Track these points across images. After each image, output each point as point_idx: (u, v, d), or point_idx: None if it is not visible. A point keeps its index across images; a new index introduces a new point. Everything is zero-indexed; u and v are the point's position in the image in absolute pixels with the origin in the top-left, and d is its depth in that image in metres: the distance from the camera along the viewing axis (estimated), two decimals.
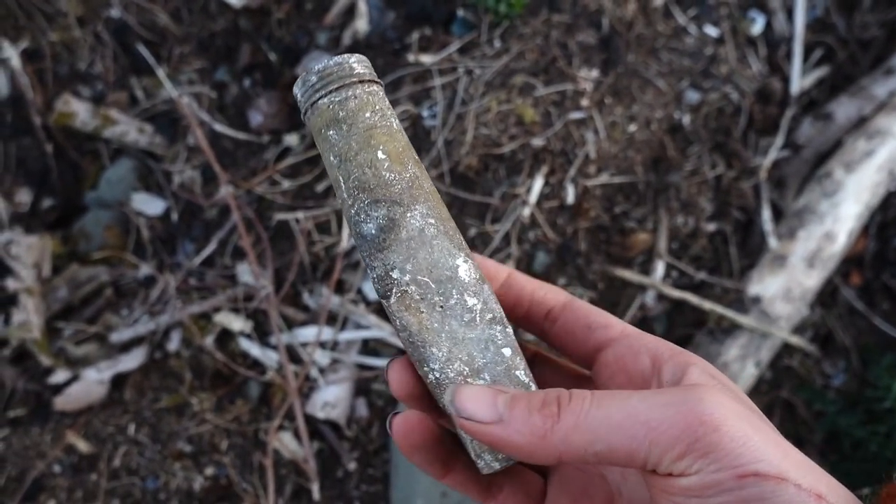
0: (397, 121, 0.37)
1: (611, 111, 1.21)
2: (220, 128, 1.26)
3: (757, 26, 1.35)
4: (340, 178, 0.36)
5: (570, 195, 1.17)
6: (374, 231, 0.35)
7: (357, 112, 0.35)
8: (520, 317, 0.40)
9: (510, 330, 0.37)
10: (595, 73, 1.20)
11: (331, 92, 0.35)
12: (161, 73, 1.28)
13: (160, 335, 1.20)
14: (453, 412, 0.32)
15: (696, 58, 1.27)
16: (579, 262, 1.17)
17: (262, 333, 1.19)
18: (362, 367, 1.15)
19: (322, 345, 1.15)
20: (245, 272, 1.21)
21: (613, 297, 1.17)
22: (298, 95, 0.37)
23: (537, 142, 1.15)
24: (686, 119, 1.25)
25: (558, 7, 1.21)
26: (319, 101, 0.36)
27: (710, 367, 0.33)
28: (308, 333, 1.16)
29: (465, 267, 0.36)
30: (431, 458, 0.36)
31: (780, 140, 1.29)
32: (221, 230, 1.25)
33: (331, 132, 0.35)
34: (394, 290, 0.35)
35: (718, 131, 1.27)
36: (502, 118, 1.15)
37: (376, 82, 0.37)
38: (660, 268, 1.17)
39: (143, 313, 1.22)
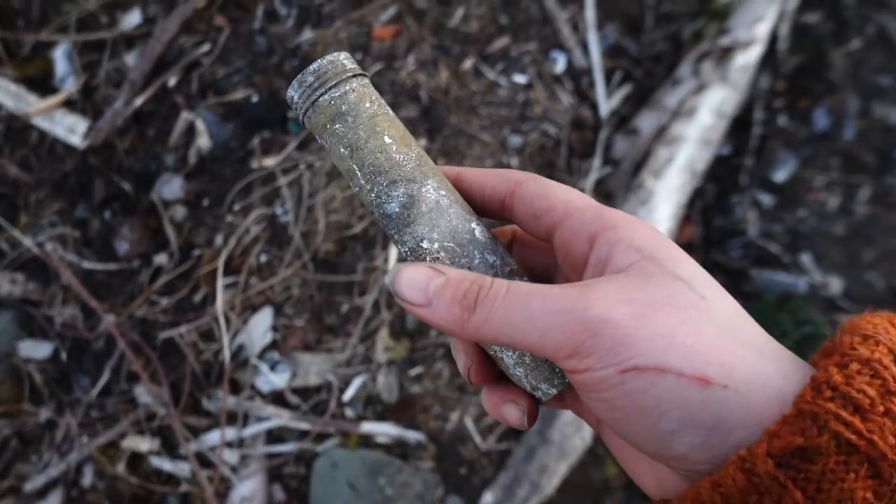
0: (390, 108, 0.40)
1: None
2: (88, 264, 1.33)
3: (559, 65, 1.53)
4: (355, 166, 0.38)
5: None
6: (397, 209, 0.38)
7: (358, 104, 0.38)
8: (480, 213, 0.41)
9: (526, 279, 0.39)
10: (423, 142, 1.34)
11: (330, 88, 0.37)
12: (15, 231, 1.34)
13: (73, 473, 1.25)
14: (393, 291, 0.35)
15: (511, 106, 1.44)
16: None
17: (170, 447, 1.26)
18: (271, 455, 1.24)
19: (229, 444, 1.24)
20: (143, 393, 1.28)
21: None
22: (295, 97, 0.38)
23: None
24: (514, 161, 1.41)
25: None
26: (320, 99, 0.38)
27: (638, 236, 0.33)
28: (214, 437, 1.24)
29: (479, 229, 0.39)
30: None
31: (597, 160, 1.47)
32: (112, 358, 1.31)
33: (337, 126, 0.38)
34: (427, 259, 0.38)
35: (544, 165, 1.44)
36: (348, 202, 1.28)
37: (365, 75, 0.39)
38: None
39: (52, 456, 1.27)
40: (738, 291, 1.50)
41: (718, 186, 1.60)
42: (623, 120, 1.58)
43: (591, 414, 0.39)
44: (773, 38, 1.55)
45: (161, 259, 1.34)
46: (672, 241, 0.33)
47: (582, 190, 1.49)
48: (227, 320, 1.27)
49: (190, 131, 1.35)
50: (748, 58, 1.49)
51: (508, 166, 1.39)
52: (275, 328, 1.28)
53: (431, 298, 0.34)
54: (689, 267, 0.32)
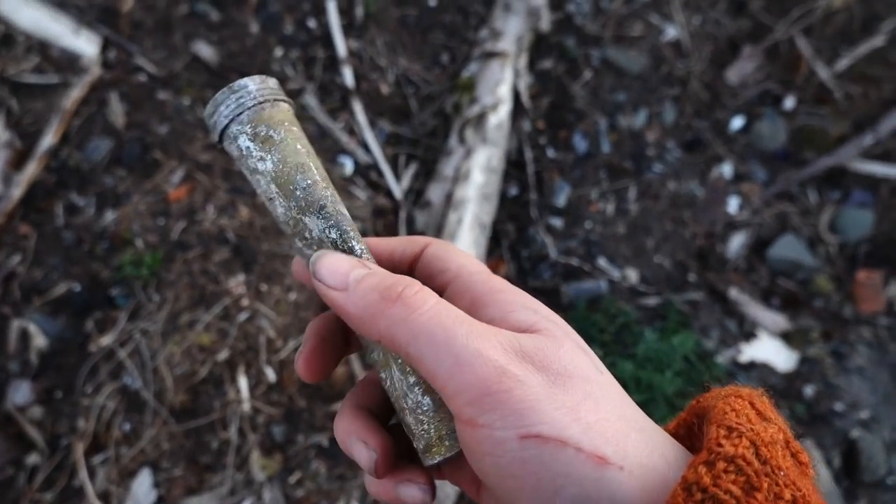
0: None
1: (270, 294, 1.53)
2: None
3: (348, 168, 1.75)
4: (274, 186, 0.38)
5: (271, 374, 1.47)
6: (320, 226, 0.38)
7: (292, 122, 0.39)
8: None
9: None
10: (242, 277, 1.52)
11: (266, 101, 0.38)
12: None
13: None
14: (311, 272, 0.35)
15: None
16: (306, 416, 1.47)
17: None
18: None
19: None
20: None
21: None
22: (223, 105, 0.38)
23: (223, 355, 1.44)
24: None
25: (188, 245, 1.52)
26: (258, 106, 0.38)
27: (527, 300, 0.36)
28: None
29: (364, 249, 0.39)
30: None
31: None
32: None
33: (272, 133, 0.38)
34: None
35: None
36: (188, 353, 1.43)
37: (291, 103, 0.41)
38: None
39: None
40: (557, 306, 1.75)
41: (517, 223, 1.86)
42: (420, 194, 1.81)
43: (472, 482, 0.39)
44: (517, 93, 1.84)
45: (33, 459, 1.43)
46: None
47: None
48: (108, 495, 1.38)
49: (24, 336, 1.46)
50: (499, 116, 1.76)
51: None
52: (157, 484, 1.40)
53: (349, 284, 0.34)
54: (580, 338, 0.34)
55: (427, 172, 1.83)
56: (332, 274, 0.34)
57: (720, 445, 0.28)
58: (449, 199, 1.72)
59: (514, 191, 1.88)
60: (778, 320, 1.80)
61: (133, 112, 1.60)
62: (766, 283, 1.84)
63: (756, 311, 1.80)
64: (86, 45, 1.62)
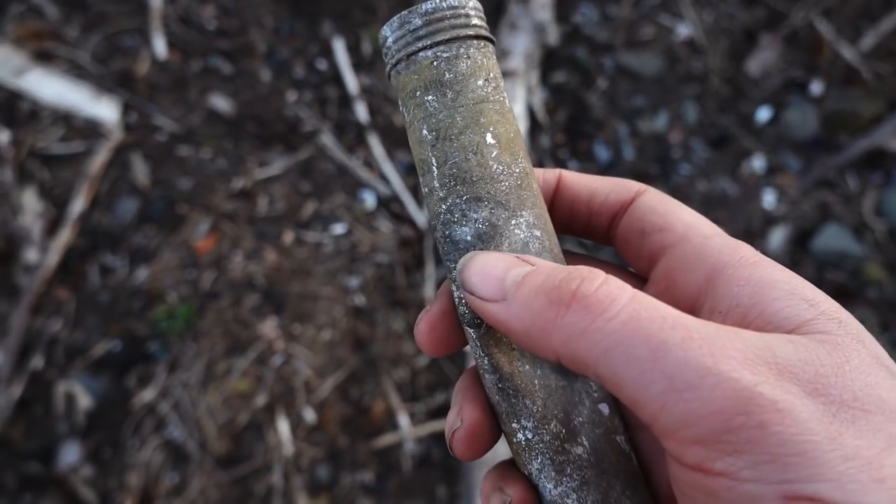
0: (507, 96, 0.32)
1: (303, 334, 1.58)
2: None
3: (370, 202, 1.81)
4: (433, 159, 0.30)
5: (311, 415, 1.51)
6: (469, 238, 0.30)
7: (468, 77, 0.30)
8: (579, 231, 0.35)
9: None
10: (274, 320, 1.58)
11: (439, 43, 0.30)
12: None
13: None
14: (459, 280, 0.29)
15: (340, 255, 1.70)
16: (349, 455, 1.51)
17: None
18: None
19: None
20: None
21: (387, 463, 1.51)
22: (390, 40, 0.31)
23: (261, 400, 1.49)
24: (361, 299, 1.65)
25: (219, 294, 1.59)
26: (421, 54, 0.30)
27: (801, 284, 0.25)
28: None
29: None
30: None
31: (431, 266, 1.74)
32: None
33: (429, 97, 0.30)
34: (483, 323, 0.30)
35: (387, 290, 1.69)
36: (227, 402, 1.49)
37: (491, 40, 0.31)
38: (403, 420, 1.54)
39: None
40: None
41: None
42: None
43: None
44: (531, 110, 1.88)
45: None
46: None
47: (422, 298, 1.75)
48: None
49: (70, 398, 1.54)
50: None
51: (357, 306, 1.64)
52: None
53: (508, 291, 0.26)
54: (880, 347, 0.24)
55: None
56: (484, 281, 0.27)
57: None
58: None
59: None
60: None
61: (156, 170, 1.69)
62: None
63: None
64: (106, 111, 1.73)
